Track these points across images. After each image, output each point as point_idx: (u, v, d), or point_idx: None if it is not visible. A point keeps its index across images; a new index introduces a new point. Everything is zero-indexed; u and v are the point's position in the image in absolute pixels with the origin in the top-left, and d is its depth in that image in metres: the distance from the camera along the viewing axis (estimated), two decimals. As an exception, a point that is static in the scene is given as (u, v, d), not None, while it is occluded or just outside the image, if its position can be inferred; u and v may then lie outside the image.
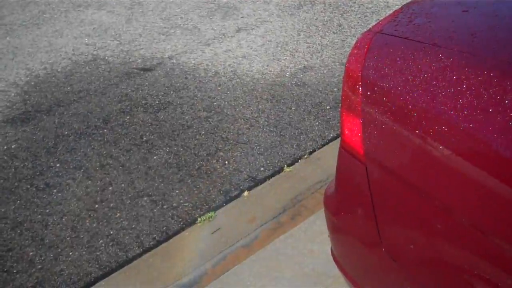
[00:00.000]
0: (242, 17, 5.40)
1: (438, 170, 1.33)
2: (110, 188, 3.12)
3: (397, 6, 1.67)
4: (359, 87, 1.52)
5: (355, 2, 5.61)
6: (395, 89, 1.42)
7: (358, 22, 5.09)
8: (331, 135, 3.49)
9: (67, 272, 2.60)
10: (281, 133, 3.55)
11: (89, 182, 3.17)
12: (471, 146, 1.26)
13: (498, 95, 1.23)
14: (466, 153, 1.27)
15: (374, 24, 1.66)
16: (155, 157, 3.36)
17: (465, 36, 1.42)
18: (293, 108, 3.81)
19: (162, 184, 3.14)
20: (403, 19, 1.58)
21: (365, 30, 1.64)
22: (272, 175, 3.18)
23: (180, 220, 2.89)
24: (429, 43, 1.43)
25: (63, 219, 2.91)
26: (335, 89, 4.00)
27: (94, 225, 2.87)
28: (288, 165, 3.22)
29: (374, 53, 1.51)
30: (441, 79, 1.34)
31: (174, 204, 2.99)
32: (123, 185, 3.14)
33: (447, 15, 1.54)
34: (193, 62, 4.52)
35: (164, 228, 2.84)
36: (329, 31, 4.99)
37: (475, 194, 1.26)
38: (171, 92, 4.06)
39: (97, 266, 2.63)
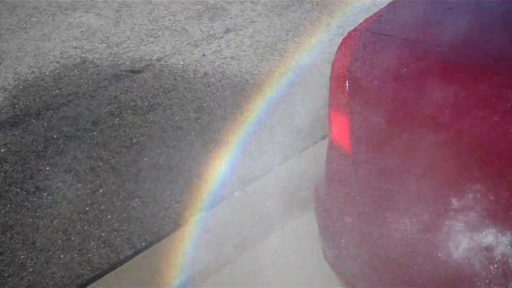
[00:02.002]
0: (230, 18, 5.40)
1: (425, 165, 1.34)
2: (101, 190, 3.11)
3: (384, 5, 1.70)
4: (345, 85, 1.53)
5: (342, 1, 5.63)
6: (381, 87, 1.44)
7: (346, 21, 5.11)
8: (321, 134, 3.51)
9: (58, 274, 2.60)
10: (271, 133, 3.56)
11: (80, 184, 3.16)
12: (454, 141, 1.28)
13: (483, 91, 1.25)
14: (449, 147, 1.29)
15: (360, 22, 1.67)
16: (145, 159, 3.36)
17: (449, 34, 1.43)
18: (282, 108, 3.82)
19: (153, 186, 3.14)
20: (388, 17, 1.60)
21: (352, 28, 1.65)
22: (263, 175, 3.19)
23: (171, 221, 2.89)
24: (415, 41, 1.45)
25: (54, 222, 2.90)
26: (324, 88, 4.01)
27: (85, 227, 2.86)
28: (279, 164, 3.23)
29: (360, 51, 1.53)
30: (426, 76, 1.35)
31: (165, 205, 2.99)
32: (113, 187, 3.13)
33: (432, 13, 1.56)
34: (181, 63, 4.52)
35: (156, 229, 2.84)
36: (317, 31, 5.00)
37: (457, 186, 1.28)
38: (160, 94, 4.06)
39: (88, 268, 2.63)
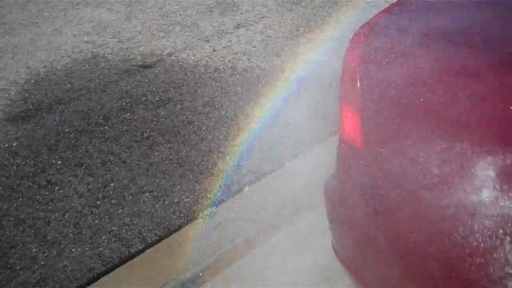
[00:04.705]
0: (241, 13, 5.40)
1: (436, 161, 1.34)
2: (112, 184, 3.13)
3: (395, 0, 1.70)
4: (356, 81, 1.53)
5: (353, -3, 5.61)
6: (392, 82, 1.43)
7: (357, 17, 5.09)
8: (331, 129, 3.50)
9: (70, 268, 2.62)
10: (281, 129, 3.56)
11: (91, 179, 3.18)
12: (464, 138, 1.27)
13: (494, 88, 1.24)
14: (460, 144, 1.28)
15: (371, 17, 1.67)
16: (156, 153, 3.38)
17: (461, 29, 1.43)
18: (293, 103, 3.82)
19: (164, 180, 3.15)
20: (399, 12, 1.60)
21: (363, 23, 1.65)
22: (273, 170, 3.19)
23: (181, 215, 2.90)
24: (426, 36, 1.44)
25: (66, 216, 2.92)
26: (334, 84, 4.01)
27: (97, 221, 2.88)
28: (289, 160, 3.23)
29: (371, 47, 1.53)
30: (438, 71, 1.35)
31: (175, 200, 3.00)
32: (124, 181, 3.15)
33: (443, 8, 1.55)
34: (192, 58, 4.53)
35: (166, 223, 2.86)
36: (328, 26, 4.99)
37: (468, 182, 1.28)
38: (171, 89, 4.08)
39: (100, 262, 2.65)
